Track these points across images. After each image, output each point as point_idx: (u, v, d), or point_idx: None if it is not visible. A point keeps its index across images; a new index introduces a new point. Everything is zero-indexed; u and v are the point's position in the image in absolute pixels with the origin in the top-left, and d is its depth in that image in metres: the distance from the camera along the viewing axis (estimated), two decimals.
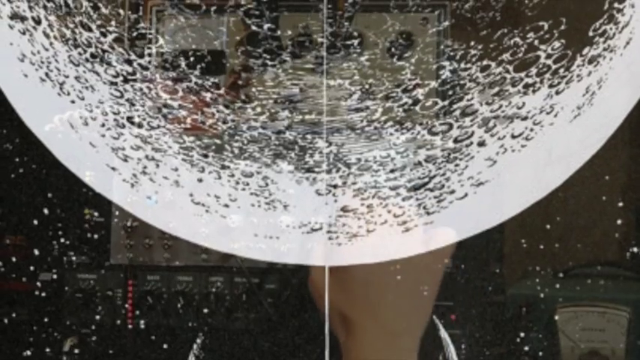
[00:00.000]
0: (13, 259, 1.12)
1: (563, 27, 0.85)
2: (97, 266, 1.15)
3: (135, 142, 0.87)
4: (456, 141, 0.86)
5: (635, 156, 1.08)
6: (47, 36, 0.85)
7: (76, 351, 1.13)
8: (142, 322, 1.13)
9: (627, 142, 1.04)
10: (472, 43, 0.87)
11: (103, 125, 0.87)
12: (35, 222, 1.07)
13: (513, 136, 0.85)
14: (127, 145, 0.87)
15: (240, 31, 0.96)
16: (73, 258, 1.14)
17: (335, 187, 0.86)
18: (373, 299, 0.86)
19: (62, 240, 1.11)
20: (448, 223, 0.86)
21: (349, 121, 0.87)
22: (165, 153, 0.88)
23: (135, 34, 0.93)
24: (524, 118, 0.85)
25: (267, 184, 0.88)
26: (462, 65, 0.87)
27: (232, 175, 0.88)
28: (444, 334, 1.06)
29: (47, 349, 1.12)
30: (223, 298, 1.13)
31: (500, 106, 0.85)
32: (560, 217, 1.03)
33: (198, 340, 1.09)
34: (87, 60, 0.86)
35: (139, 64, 0.88)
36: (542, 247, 1.06)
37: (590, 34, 0.84)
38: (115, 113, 0.87)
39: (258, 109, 0.90)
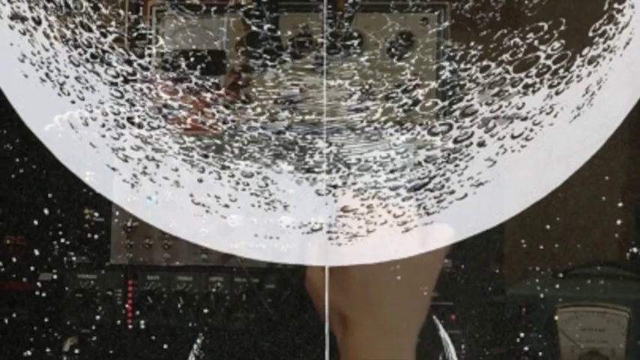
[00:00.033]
0: (14, 260, 1.12)
1: (562, 27, 0.85)
2: (97, 266, 1.15)
3: (135, 143, 0.87)
4: (455, 141, 0.86)
5: (635, 156, 1.08)
6: (47, 36, 0.85)
7: (76, 351, 1.14)
8: (142, 322, 1.13)
9: (627, 142, 1.04)
10: (472, 44, 0.87)
11: (104, 126, 0.87)
12: (35, 222, 1.07)
13: (513, 137, 0.85)
14: (127, 145, 0.87)
15: (240, 31, 0.96)
16: (74, 258, 1.14)
17: (335, 187, 0.87)
18: (370, 298, 0.86)
19: (62, 240, 1.11)
20: (448, 224, 0.86)
21: (349, 121, 0.87)
22: (166, 153, 0.88)
23: (135, 34, 0.93)
24: (524, 119, 0.85)
25: (267, 185, 0.88)
26: (462, 66, 0.87)
27: (232, 176, 0.88)
28: (443, 334, 1.06)
29: (47, 350, 1.12)
30: (223, 298, 1.14)
31: (500, 107, 0.85)
32: (560, 217, 1.03)
33: (199, 340, 1.10)
34: (87, 60, 0.86)
35: (140, 65, 0.88)
36: (542, 247, 1.06)
37: (590, 34, 0.84)
38: (115, 113, 0.87)
39: (258, 110, 0.90)
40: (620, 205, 1.04)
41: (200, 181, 0.88)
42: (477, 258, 1.09)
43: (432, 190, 0.86)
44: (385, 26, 0.93)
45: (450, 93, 0.88)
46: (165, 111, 0.88)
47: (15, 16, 0.85)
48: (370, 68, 0.90)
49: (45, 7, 0.85)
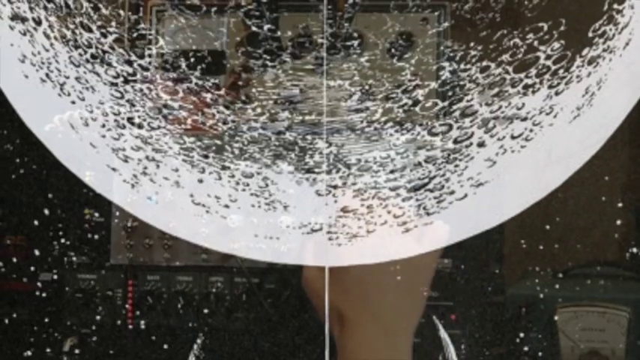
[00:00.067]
0: (14, 260, 1.13)
1: (562, 28, 0.85)
2: (97, 266, 1.15)
3: (135, 143, 0.87)
4: (455, 142, 0.86)
5: (635, 157, 1.08)
6: (48, 37, 0.85)
7: (77, 351, 1.14)
8: (142, 322, 1.13)
9: (627, 142, 1.04)
10: (472, 44, 0.87)
11: (104, 126, 0.87)
12: (36, 222, 1.07)
13: (513, 137, 0.85)
14: (127, 145, 0.87)
15: (240, 31, 0.96)
16: (74, 258, 1.14)
17: (335, 187, 0.87)
18: (368, 296, 0.86)
19: (63, 240, 1.11)
20: (448, 224, 0.86)
21: (349, 121, 0.87)
22: (166, 154, 0.88)
23: (135, 34, 0.93)
24: (524, 119, 0.85)
25: (267, 185, 0.88)
26: (462, 66, 0.87)
27: (233, 176, 0.88)
28: (443, 334, 1.06)
29: (48, 350, 1.12)
30: (223, 298, 1.14)
31: (500, 107, 0.86)
32: (559, 217, 1.03)
33: (199, 341, 1.10)
34: (87, 61, 0.86)
35: (140, 65, 0.88)
36: (541, 247, 1.06)
37: (590, 35, 0.84)
38: (115, 114, 0.87)
39: (259, 110, 0.90)
40: (620, 205, 1.04)
41: (200, 181, 0.88)
42: (476, 258, 1.09)
43: (431, 191, 0.86)
44: (385, 27, 0.93)
45: (450, 93, 0.88)
46: (165, 111, 0.88)
47: (15, 17, 0.85)
48: (370, 69, 0.90)
49: (45, 8, 0.85)
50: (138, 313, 1.14)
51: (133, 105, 0.87)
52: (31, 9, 0.85)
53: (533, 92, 0.85)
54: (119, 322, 1.14)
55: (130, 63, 0.88)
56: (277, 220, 0.88)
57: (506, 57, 0.86)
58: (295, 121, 0.88)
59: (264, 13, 0.91)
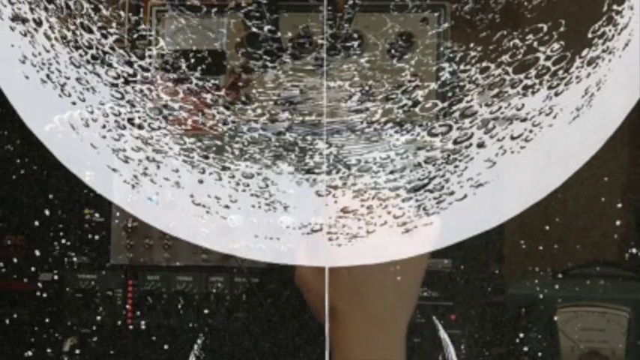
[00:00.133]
0: (15, 260, 1.13)
1: (562, 29, 0.85)
2: (97, 267, 1.15)
3: (136, 144, 0.87)
4: (455, 142, 0.86)
5: (634, 157, 1.08)
6: (48, 38, 0.85)
7: (77, 351, 1.14)
8: (142, 322, 1.13)
9: (626, 143, 1.04)
10: (471, 45, 0.87)
11: (104, 127, 0.87)
12: (36, 223, 1.07)
13: (513, 138, 0.86)
14: (127, 146, 0.87)
15: (240, 32, 0.96)
16: (74, 258, 1.14)
17: (335, 188, 0.87)
18: (358, 288, 0.86)
19: (63, 240, 1.11)
20: (448, 224, 0.87)
21: (349, 122, 0.88)
22: (166, 154, 0.88)
23: (136, 35, 0.93)
24: (524, 120, 0.85)
25: (267, 185, 0.88)
26: (462, 67, 0.87)
27: (233, 177, 0.88)
28: (443, 334, 1.06)
29: (48, 350, 1.12)
30: (223, 298, 1.14)
31: (500, 108, 0.86)
32: (559, 218, 1.03)
33: (199, 341, 1.10)
34: (88, 62, 0.86)
35: (140, 66, 0.89)
36: (541, 247, 1.06)
37: (589, 35, 0.84)
38: (115, 115, 0.87)
39: (259, 111, 0.90)
40: (620, 205, 1.04)
41: (200, 182, 0.88)
42: (476, 258, 1.09)
43: (431, 191, 0.86)
44: (385, 27, 0.93)
45: (450, 94, 0.88)
46: (165, 112, 0.88)
47: (16, 18, 0.85)
48: (370, 69, 0.90)
49: (46, 9, 0.85)
50: (138, 313, 1.14)
51: (133, 106, 0.88)
52: (31, 10, 0.85)
53: (533, 93, 0.85)
54: (119, 322, 1.14)
55: (130, 64, 0.88)
56: (277, 221, 0.88)
57: (505, 58, 0.86)
58: (295, 121, 0.89)
59: (264, 14, 0.91)
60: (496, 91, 0.86)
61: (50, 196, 1.07)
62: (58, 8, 0.86)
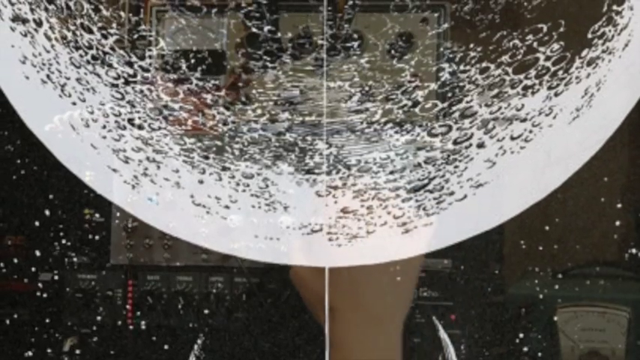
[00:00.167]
0: (15, 260, 1.13)
1: (562, 29, 0.85)
2: (97, 267, 1.15)
3: (136, 144, 0.87)
4: (455, 143, 0.86)
5: (634, 157, 1.08)
6: (49, 38, 0.85)
7: (77, 351, 1.14)
8: (142, 322, 1.13)
9: (626, 143, 1.04)
10: (471, 45, 0.87)
11: (104, 127, 0.87)
12: (36, 223, 1.07)
13: (512, 138, 0.86)
14: (128, 146, 0.87)
15: (240, 32, 0.96)
16: (74, 259, 1.14)
17: (335, 188, 0.87)
18: (352, 285, 0.86)
19: (63, 241, 1.11)
20: (448, 225, 0.87)
21: (349, 122, 0.88)
22: (166, 155, 0.88)
23: (136, 36, 0.93)
24: (524, 120, 0.86)
25: (267, 186, 0.88)
26: (462, 67, 0.87)
27: (233, 177, 0.88)
28: (443, 334, 1.06)
29: (48, 350, 1.12)
30: (223, 298, 1.14)
31: (500, 108, 0.86)
32: (559, 218, 1.03)
33: (199, 341, 1.10)
34: (88, 62, 0.87)
35: (140, 66, 0.89)
36: (541, 247, 1.06)
37: (589, 36, 0.84)
38: (116, 115, 0.87)
39: (259, 111, 0.90)
40: (619, 206, 1.04)
41: (201, 182, 0.88)
42: (476, 259, 1.09)
43: (431, 192, 0.86)
44: (385, 28, 0.93)
45: (450, 94, 0.88)
46: (165, 112, 0.89)
47: (16, 18, 0.85)
48: (370, 70, 0.90)
49: (46, 9, 0.85)
50: (138, 313, 1.14)
51: (133, 106, 0.88)
52: (32, 10, 0.85)
53: (533, 93, 0.85)
54: (119, 322, 1.14)
55: (130, 64, 0.88)
56: (277, 221, 0.88)
57: (505, 58, 0.86)
58: (295, 122, 0.89)
59: (264, 14, 0.91)
60: (496, 91, 0.86)
61: (50, 197, 1.07)
62: (59, 9, 0.86)
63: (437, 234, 0.87)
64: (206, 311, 1.13)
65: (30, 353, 1.10)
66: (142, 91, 0.88)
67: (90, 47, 0.86)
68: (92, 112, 0.87)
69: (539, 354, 1.12)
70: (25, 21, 0.85)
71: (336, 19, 0.91)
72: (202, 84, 0.91)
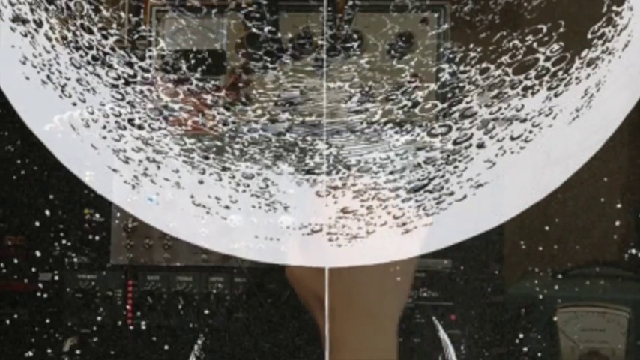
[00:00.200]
0: (15, 260, 1.13)
1: (561, 30, 0.85)
2: (97, 267, 1.15)
3: (136, 144, 0.87)
4: (455, 143, 0.86)
5: (634, 158, 1.08)
6: (49, 39, 0.85)
7: (77, 351, 1.14)
8: (142, 322, 1.13)
9: (626, 144, 1.04)
10: (471, 46, 0.87)
11: (105, 127, 0.87)
12: (37, 223, 1.07)
13: (512, 138, 0.86)
14: (128, 147, 0.87)
15: (240, 32, 0.96)
16: (74, 259, 1.14)
17: (335, 188, 0.87)
18: (347, 281, 0.86)
19: (63, 241, 1.11)
20: (448, 225, 0.87)
21: (349, 123, 0.88)
22: (167, 155, 0.88)
23: (136, 36, 0.93)
24: (523, 121, 0.86)
25: (267, 186, 0.88)
26: (462, 68, 0.87)
27: (233, 177, 0.88)
28: (443, 334, 1.06)
29: (48, 350, 1.12)
30: (223, 298, 1.14)
31: (500, 109, 0.86)
32: (559, 218, 1.03)
33: (199, 341, 1.10)
34: (88, 62, 0.87)
35: (140, 67, 0.89)
36: (541, 248, 1.06)
37: (589, 36, 0.85)
38: (116, 115, 0.87)
39: (259, 112, 0.90)
40: (619, 206, 1.04)
41: (201, 182, 0.88)
42: (476, 259, 1.09)
43: (431, 192, 0.86)
44: (385, 28, 0.93)
45: (450, 95, 0.88)
46: (166, 113, 0.89)
47: (17, 19, 0.85)
48: (370, 70, 0.90)
49: (46, 10, 0.85)
50: (138, 313, 1.14)
51: (133, 106, 0.88)
52: (32, 11, 0.85)
53: (533, 94, 0.85)
54: (119, 322, 1.14)
55: (130, 65, 0.88)
56: (277, 221, 0.88)
57: (505, 58, 0.86)
58: (295, 122, 0.89)
59: (264, 15, 0.91)
60: (496, 91, 0.86)
61: (51, 197, 1.07)
62: (59, 9, 0.86)
63: (434, 234, 0.87)
64: (206, 311, 1.13)
65: (30, 353, 1.10)
66: (142, 92, 0.88)
67: (90, 48, 0.87)
68: (92, 113, 0.87)
69: (539, 354, 1.12)
70: (25, 21, 0.85)
71: (336, 19, 0.91)
72: (202, 84, 0.91)
